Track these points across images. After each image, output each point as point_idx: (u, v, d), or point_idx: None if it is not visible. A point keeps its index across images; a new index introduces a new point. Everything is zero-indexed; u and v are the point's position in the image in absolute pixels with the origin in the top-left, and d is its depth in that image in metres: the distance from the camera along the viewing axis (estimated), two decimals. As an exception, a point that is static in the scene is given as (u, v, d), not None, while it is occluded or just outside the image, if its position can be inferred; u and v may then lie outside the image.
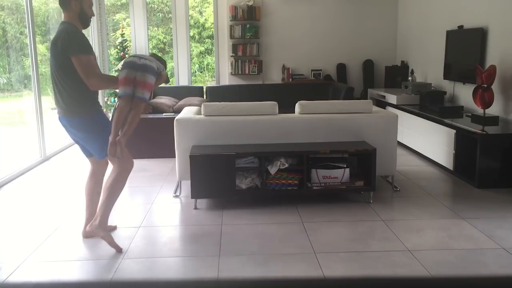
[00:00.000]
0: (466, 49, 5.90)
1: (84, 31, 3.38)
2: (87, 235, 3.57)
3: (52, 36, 3.35)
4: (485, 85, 5.06)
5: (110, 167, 3.52)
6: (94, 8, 8.56)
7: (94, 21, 7.78)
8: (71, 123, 3.37)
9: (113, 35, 8.96)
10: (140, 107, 3.33)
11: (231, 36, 8.27)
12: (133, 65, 3.33)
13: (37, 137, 5.88)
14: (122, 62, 3.25)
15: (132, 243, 3.52)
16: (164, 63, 3.67)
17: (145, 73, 3.31)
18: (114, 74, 7.57)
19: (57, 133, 7.32)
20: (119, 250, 3.38)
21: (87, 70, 3.22)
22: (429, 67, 7.11)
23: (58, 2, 3.31)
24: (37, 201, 4.49)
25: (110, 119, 3.83)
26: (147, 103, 3.48)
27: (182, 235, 3.77)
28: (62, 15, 3.33)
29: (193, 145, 4.35)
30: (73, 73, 3.24)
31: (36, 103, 5.82)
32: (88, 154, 3.57)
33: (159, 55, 3.99)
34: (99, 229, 3.38)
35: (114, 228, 3.75)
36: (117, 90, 3.41)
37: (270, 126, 4.45)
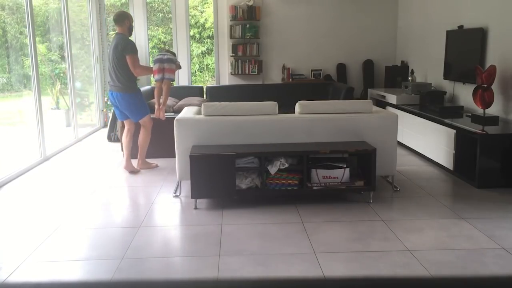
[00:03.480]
0: (466, 49, 5.90)
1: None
2: (130, 168, 5.32)
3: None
4: (485, 85, 5.06)
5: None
6: (93, 8, 8.61)
7: (94, 21, 7.78)
8: (123, 96, 5.15)
9: (113, 34, 8.96)
10: (169, 84, 5.40)
11: (231, 36, 8.27)
12: (161, 60, 5.32)
13: (37, 137, 5.88)
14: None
15: (132, 243, 3.52)
16: (174, 55, 5.58)
17: (170, 63, 5.34)
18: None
19: (57, 133, 7.34)
20: (156, 165, 5.51)
21: (135, 64, 5.09)
22: (429, 67, 7.11)
23: (113, 20, 5.26)
24: (37, 201, 4.49)
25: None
26: (172, 81, 5.47)
27: (182, 235, 3.77)
28: (116, 28, 5.24)
29: (193, 145, 4.36)
30: (126, 65, 5.07)
31: (36, 103, 5.81)
32: (124, 117, 5.33)
33: (168, 48, 5.72)
34: (141, 164, 5.42)
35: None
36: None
37: (270, 126, 4.45)
